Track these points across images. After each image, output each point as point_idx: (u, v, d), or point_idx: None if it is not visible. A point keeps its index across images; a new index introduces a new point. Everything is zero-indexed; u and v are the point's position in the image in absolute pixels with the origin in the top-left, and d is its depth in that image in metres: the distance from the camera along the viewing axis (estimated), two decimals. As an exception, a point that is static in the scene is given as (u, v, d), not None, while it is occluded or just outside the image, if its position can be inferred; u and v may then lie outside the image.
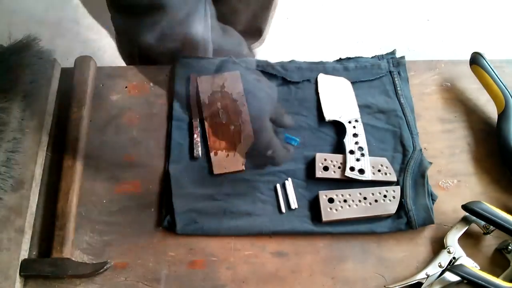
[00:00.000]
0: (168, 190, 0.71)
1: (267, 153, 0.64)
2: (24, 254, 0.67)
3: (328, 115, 0.77)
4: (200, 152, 0.74)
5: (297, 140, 0.71)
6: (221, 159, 0.74)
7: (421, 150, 0.74)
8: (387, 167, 0.72)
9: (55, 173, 0.73)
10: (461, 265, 0.64)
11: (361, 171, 0.71)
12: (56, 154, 0.75)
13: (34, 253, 0.68)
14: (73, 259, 0.67)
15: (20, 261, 0.65)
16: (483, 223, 0.68)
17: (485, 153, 0.76)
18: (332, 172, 0.72)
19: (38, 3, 1.80)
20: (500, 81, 0.76)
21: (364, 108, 0.78)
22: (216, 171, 0.73)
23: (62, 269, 0.65)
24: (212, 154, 0.74)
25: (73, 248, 0.68)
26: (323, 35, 1.72)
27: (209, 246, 0.69)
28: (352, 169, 0.72)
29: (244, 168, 0.73)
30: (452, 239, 0.67)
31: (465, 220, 0.69)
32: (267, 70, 0.80)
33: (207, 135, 0.75)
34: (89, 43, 1.73)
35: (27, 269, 0.65)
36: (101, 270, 0.66)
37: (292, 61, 0.82)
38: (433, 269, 0.66)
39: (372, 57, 0.84)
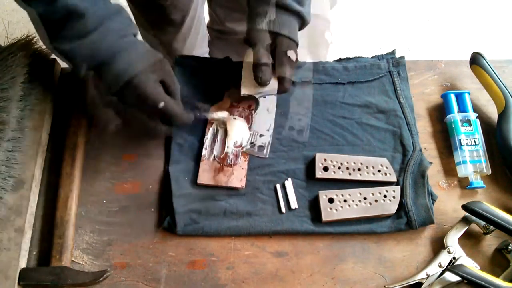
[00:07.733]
0: (168, 190, 0.71)
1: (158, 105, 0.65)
2: (24, 254, 0.67)
3: (245, 91, 0.73)
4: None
5: None
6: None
7: (421, 150, 0.74)
8: (387, 167, 0.72)
9: (55, 173, 0.73)
10: (461, 265, 0.64)
11: (260, 148, 0.74)
12: (56, 154, 0.75)
13: (34, 253, 0.68)
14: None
15: (20, 261, 0.65)
16: (483, 223, 0.68)
17: (485, 153, 0.76)
18: (332, 172, 0.72)
19: (38, 3, 1.79)
20: (500, 81, 0.76)
21: (363, 108, 0.78)
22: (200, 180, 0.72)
23: (61, 278, 0.64)
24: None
25: (72, 256, 0.68)
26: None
27: (209, 246, 0.69)
28: (252, 144, 0.74)
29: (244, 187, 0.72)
30: (452, 239, 0.67)
31: (465, 220, 0.69)
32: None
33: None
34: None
35: (26, 279, 0.65)
36: (101, 279, 0.65)
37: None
38: (433, 269, 0.66)
39: (372, 57, 0.84)
